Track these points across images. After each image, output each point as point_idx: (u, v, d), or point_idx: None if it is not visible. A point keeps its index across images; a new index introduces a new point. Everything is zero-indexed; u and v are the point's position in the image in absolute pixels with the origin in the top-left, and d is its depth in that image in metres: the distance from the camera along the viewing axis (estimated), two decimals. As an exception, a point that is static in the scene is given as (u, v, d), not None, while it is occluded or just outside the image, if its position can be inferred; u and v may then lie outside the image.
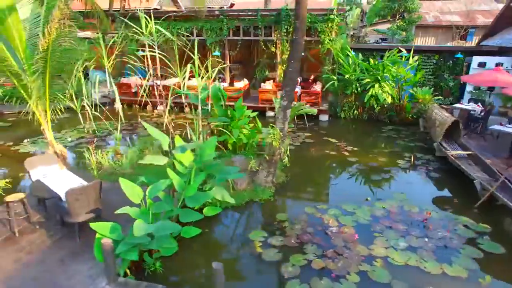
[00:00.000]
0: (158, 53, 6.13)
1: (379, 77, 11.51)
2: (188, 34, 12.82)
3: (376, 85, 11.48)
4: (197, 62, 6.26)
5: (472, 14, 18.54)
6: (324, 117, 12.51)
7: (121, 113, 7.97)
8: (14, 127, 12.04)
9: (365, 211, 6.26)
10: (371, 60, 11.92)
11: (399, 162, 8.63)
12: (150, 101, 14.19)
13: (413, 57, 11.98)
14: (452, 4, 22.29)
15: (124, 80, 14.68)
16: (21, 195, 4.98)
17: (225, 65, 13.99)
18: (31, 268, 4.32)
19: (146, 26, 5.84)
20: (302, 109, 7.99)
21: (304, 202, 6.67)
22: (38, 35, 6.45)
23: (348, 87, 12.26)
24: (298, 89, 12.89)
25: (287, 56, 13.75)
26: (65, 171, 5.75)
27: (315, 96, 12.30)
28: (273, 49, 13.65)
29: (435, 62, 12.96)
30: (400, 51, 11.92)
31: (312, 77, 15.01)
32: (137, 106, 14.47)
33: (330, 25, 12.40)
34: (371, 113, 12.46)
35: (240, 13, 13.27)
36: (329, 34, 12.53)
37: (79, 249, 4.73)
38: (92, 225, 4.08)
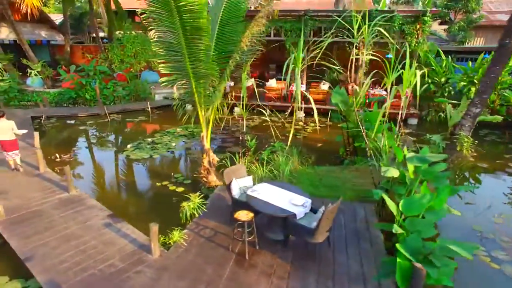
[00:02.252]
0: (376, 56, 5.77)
1: (475, 80, 11.35)
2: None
3: (473, 88, 11.32)
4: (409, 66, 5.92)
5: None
6: (413, 121, 12.28)
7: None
8: (99, 130, 11.44)
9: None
10: (469, 62, 11.76)
11: (538, 169, 8.47)
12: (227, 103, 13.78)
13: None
14: (493, 4, 22.39)
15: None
16: (251, 214, 4.55)
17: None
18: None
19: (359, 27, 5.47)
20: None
21: (481, 210, 6.40)
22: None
23: (438, 90, 12.09)
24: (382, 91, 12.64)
25: (368, 60, 13.48)
26: (265, 184, 5.31)
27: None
28: (356, 51, 13.32)
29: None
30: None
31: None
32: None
33: (418, 26, 12.17)
34: (459, 116, 12.29)
35: (323, 14, 12.93)
36: (416, 36, 12.30)
37: (325, 271, 4.33)
38: (399, 246, 3.70)
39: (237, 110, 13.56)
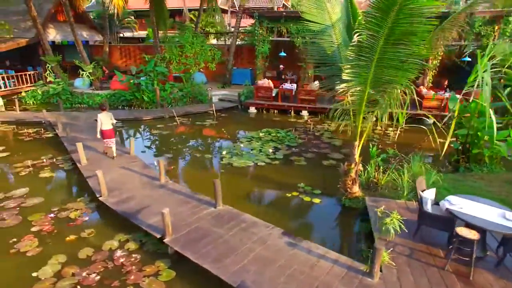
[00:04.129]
0: None
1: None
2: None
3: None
4: None
5: None
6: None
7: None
8: (177, 135, 10.95)
9: None
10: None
11: None
12: (293, 106, 13.44)
13: None
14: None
15: (260, 82, 13.71)
16: (476, 232, 4.21)
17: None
18: None
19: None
20: None
21: None
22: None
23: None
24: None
25: (438, 62, 13.31)
26: (453, 197, 4.97)
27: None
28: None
29: None
30: None
31: (446, 82, 14.59)
32: (275, 111, 13.59)
33: (496, 28, 12.00)
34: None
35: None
36: (493, 38, 12.13)
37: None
38: None
39: (305, 113, 13.19)
